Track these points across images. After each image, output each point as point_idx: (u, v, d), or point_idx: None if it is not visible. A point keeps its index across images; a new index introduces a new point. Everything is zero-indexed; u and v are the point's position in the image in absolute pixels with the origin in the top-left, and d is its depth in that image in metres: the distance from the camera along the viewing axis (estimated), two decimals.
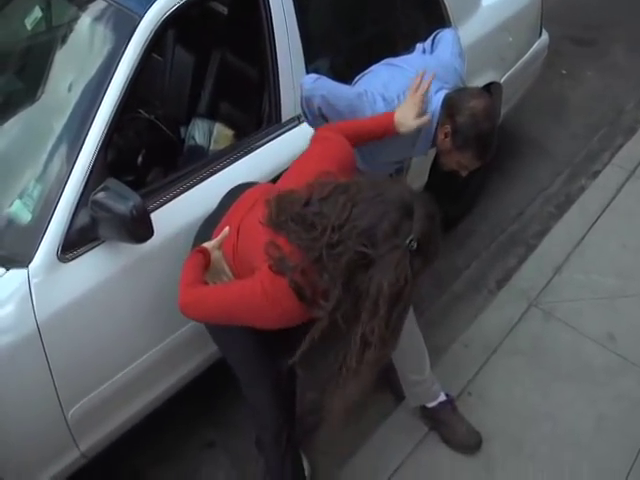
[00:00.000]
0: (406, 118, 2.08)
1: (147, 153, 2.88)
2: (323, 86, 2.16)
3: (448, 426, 2.65)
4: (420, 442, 2.68)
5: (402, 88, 2.13)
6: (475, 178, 3.86)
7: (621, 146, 4.40)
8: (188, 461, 2.71)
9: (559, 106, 5.03)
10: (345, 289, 1.55)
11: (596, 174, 4.15)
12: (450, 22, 3.16)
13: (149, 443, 2.70)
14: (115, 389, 2.22)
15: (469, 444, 2.63)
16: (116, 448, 2.43)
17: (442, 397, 2.65)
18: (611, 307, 3.19)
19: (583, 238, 3.61)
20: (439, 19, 3.14)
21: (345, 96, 2.15)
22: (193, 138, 2.95)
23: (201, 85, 3.10)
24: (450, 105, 2.12)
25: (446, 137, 2.12)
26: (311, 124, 2.32)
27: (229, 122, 2.93)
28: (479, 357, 2.96)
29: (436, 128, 2.15)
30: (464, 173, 2.22)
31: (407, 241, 1.50)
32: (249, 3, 2.44)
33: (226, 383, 2.35)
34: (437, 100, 2.15)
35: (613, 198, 3.89)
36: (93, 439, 2.26)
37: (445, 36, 2.46)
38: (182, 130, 3.06)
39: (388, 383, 2.84)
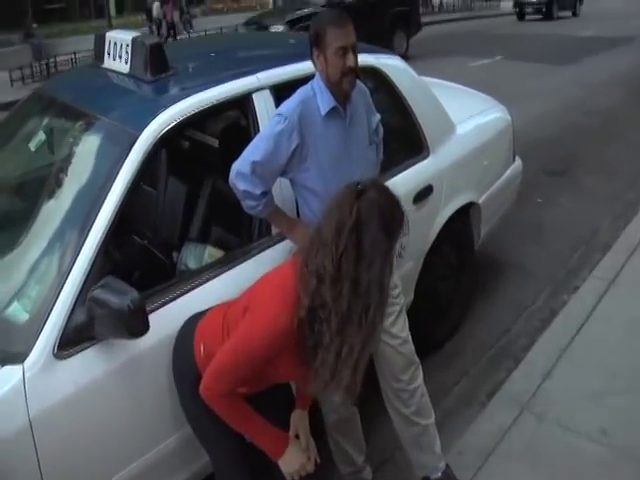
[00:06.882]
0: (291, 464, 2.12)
1: (140, 277, 2.98)
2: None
3: None
4: None
5: None
6: (459, 298, 3.99)
7: (599, 261, 4.55)
8: None
9: (537, 230, 5.28)
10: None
11: (577, 289, 4.27)
12: (428, 147, 3.41)
13: None
14: None
15: None
16: None
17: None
18: (602, 404, 3.19)
19: (569, 344, 3.65)
20: (418, 144, 3.40)
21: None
22: (185, 263, 3.07)
23: (192, 212, 3.29)
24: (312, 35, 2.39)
25: (318, 57, 2.38)
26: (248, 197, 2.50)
27: (220, 244, 3.06)
28: (474, 463, 2.91)
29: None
30: (350, 77, 2.38)
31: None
32: (239, 130, 2.68)
33: None
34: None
35: (595, 306, 3.98)
36: None
37: None
38: (174, 255, 3.19)
39: None
